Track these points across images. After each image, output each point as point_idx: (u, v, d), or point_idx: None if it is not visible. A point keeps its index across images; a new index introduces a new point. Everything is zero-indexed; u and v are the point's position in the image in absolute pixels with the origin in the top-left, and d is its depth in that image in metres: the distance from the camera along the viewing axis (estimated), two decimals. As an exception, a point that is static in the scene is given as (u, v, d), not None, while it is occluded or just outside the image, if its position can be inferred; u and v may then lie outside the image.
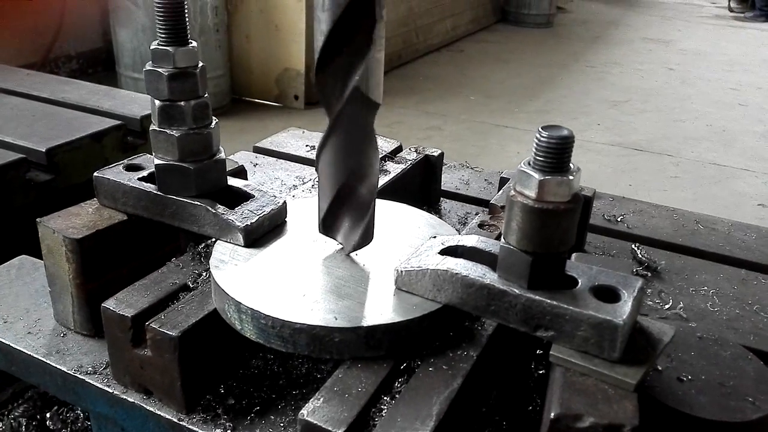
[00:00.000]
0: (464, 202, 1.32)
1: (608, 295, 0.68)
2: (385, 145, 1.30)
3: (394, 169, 1.19)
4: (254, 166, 1.43)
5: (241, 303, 0.73)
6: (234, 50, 4.28)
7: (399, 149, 1.29)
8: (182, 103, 0.82)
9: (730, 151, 4.05)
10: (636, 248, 1.14)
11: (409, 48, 5.53)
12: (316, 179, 1.20)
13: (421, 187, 1.26)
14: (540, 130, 0.63)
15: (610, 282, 0.70)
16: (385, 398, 0.66)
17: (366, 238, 0.82)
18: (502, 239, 0.70)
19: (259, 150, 1.50)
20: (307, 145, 1.51)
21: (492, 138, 4.18)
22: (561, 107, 4.80)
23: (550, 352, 0.67)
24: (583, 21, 7.77)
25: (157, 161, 0.85)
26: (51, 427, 1.01)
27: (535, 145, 0.64)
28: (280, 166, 1.43)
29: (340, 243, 0.85)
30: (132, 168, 0.94)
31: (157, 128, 0.83)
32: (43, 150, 1.44)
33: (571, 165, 0.65)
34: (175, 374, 0.74)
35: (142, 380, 0.78)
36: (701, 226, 1.28)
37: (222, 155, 0.87)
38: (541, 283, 0.68)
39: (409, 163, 1.21)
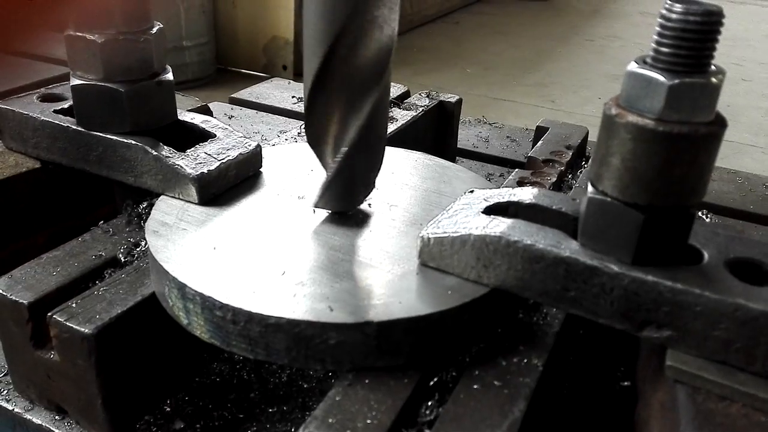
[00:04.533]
0: (484, 161, 1.08)
1: (753, 273, 0.44)
2: (389, 89, 1.04)
3: (401, 116, 0.94)
4: (229, 118, 1.17)
5: (187, 286, 0.49)
6: (219, 16, 4.06)
7: (407, 94, 1.04)
8: (107, -7, 0.56)
9: (735, 126, 3.99)
10: (704, 216, 0.91)
11: (403, 19, 5.30)
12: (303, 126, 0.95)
13: (435, 140, 1.01)
14: (670, 3, 0.38)
15: (750, 253, 0.46)
16: (409, 433, 0.41)
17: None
18: (590, 187, 0.45)
19: (236, 101, 1.25)
20: (293, 96, 1.25)
21: (490, 111, 3.98)
22: (561, 80, 4.65)
23: (667, 363, 0.43)
24: (581, -6, 7.58)
25: (74, 81, 0.59)
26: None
27: (659, 29, 0.39)
28: (260, 119, 1.18)
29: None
30: (50, 98, 0.68)
31: (73, 32, 0.57)
32: (-30, 99, 1.19)
33: (713, 64, 0.40)
34: (93, 388, 0.50)
35: (51, 394, 0.54)
36: (772, 190, 1.06)
37: (169, 76, 0.62)
38: (654, 255, 0.43)
39: (421, 109, 0.96)
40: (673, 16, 0.39)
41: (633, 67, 0.41)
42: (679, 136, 0.40)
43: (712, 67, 0.41)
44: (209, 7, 3.85)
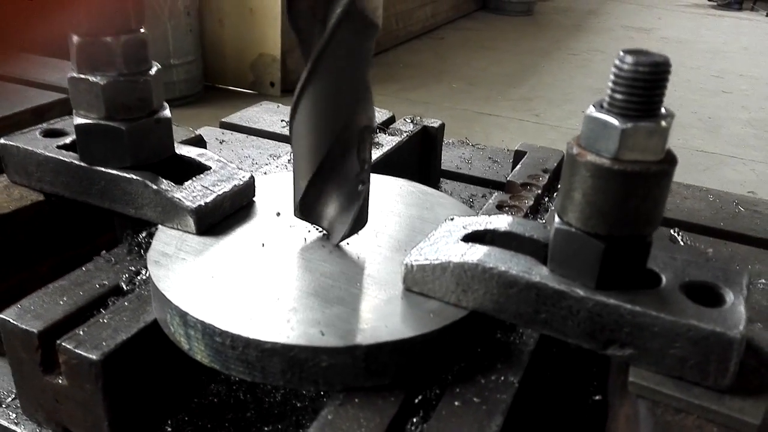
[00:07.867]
0: (467, 182, 1.12)
1: (706, 295, 0.49)
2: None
3: (387, 142, 0.98)
4: (220, 143, 1.21)
5: (188, 314, 0.52)
6: (206, 35, 4.10)
7: (392, 120, 1.09)
8: (109, 38, 0.60)
9: (716, 138, 4.06)
10: (676, 234, 0.95)
11: (389, 35, 5.36)
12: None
13: (420, 163, 1.05)
14: (622, 54, 0.43)
15: (704, 277, 0.50)
16: (395, 448, 0.45)
17: (359, 221, 0.61)
18: (556, 218, 0.49)
19: (226, 126, 1.29)
20: (282, 120, 1.29)
21: (476, 126, 4.05)
22: (545, 94, 4.71)
23: (630, 379, 0.47)
24: (564, 9, 7.70)
25: (78, 120, 0.63)
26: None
27: (613, 78, 0.44)
28: (250, 143, 1.22)
29: (325, 230, 0.64)
30: (52, 134, 0.72)
31: (76, 74, 0.61)
32: (-30, 126, 1.22)
33: (662, 108, 0.45)
34: (100, 411, 0.54)
35: (58, 417, 0.58)
36: (741, 208, 1.11)
37: (167, 113, 0.66)
38: (615, 280, 0.48)
39: (405, 135, 1.01)
40: (625, 66, 0.44)
41: (591, 111, 0.46)
42: (633, 174, 0.44)
43: (662, 111, 0.45)
44: (196, 26, 3.89)
